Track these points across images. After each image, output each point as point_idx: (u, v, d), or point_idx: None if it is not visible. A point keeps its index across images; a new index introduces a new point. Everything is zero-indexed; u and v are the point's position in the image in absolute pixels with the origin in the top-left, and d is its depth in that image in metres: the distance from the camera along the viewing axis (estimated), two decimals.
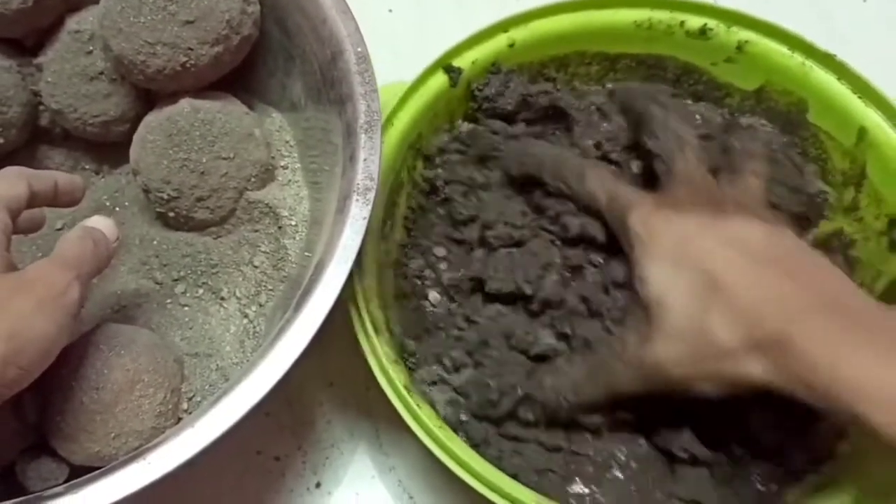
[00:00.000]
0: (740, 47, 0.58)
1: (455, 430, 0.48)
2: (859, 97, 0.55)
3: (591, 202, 0.52)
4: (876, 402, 0.38)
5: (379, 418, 0.58)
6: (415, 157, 0.57)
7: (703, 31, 0.58)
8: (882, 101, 0.54)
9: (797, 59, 0.57)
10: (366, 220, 0.45)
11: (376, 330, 0.48)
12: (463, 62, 0.57)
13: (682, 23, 0.58)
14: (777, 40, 0.57)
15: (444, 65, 0.56)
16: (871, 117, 0.55)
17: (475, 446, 0.49)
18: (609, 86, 0.61)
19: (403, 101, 0.55)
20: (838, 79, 0.56)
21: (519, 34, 0.58)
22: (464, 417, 0.51)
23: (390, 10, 0.78)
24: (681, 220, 0.47)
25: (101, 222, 0.45)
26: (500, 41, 0.58)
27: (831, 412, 0.43)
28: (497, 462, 0.48)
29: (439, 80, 0.56)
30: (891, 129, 0.54)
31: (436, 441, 0.45)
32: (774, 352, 0.42)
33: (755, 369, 0.42)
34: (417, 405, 0.46)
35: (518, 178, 0.56)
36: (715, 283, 0.44)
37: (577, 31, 0.58)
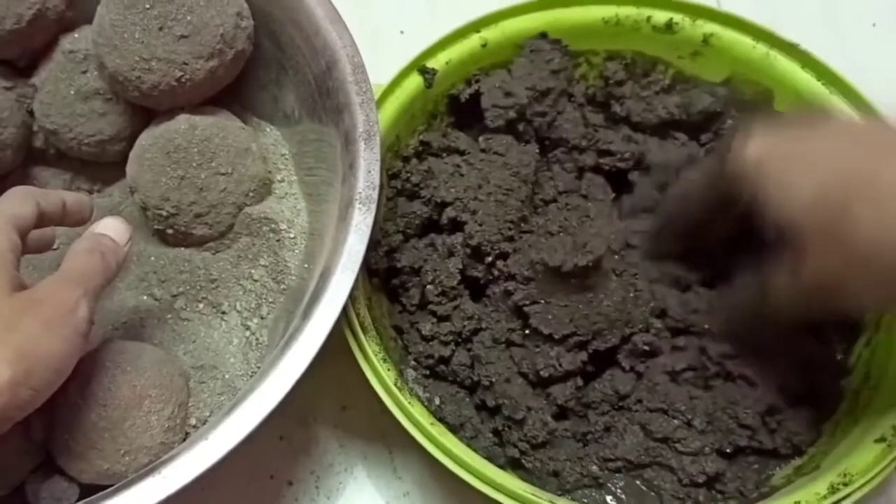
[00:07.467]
0: (706, 40, 0.59)
1: (434, 415, 0.48)
2: (824, 84, 0.56)
3: (695, 193, 0.52)
4: None
5: (393, 443, 0.57)
6: (392, 158, 0.58)
7: (670, 26, 0.59)
8: (845, 86, 0.56)
9: (761, 49, 0.58)
10: (369, 228, 0.45)
11: (364, 329, 0.48)
12: (437, 63, 0.57)
13: (648, 18, 0.59)
14: (741, 32, 0.58)
15: (419, 66, 0.57)
16: (836, 103, 0.56)
17: (453, 430, 0.50)
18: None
19: (380, 103, 0.55)
20: (802, 67, 0.57)
21: (491, 34, 0.58)
22: (437, 401, 0.52)
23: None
24: (790, 135, 0.45)
25: (110, 225, 0.45)
26: (472, 41, 0.58)
27: None
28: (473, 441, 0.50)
29: (414, 81, 0.57)
30: (855, 115, 0.55)
31: (429, 438, 0.46)
32: None
33: None
34: (409, 402, 0.46)
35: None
36: (848, 179, 0.41)
37: (547, 29, 0.59)
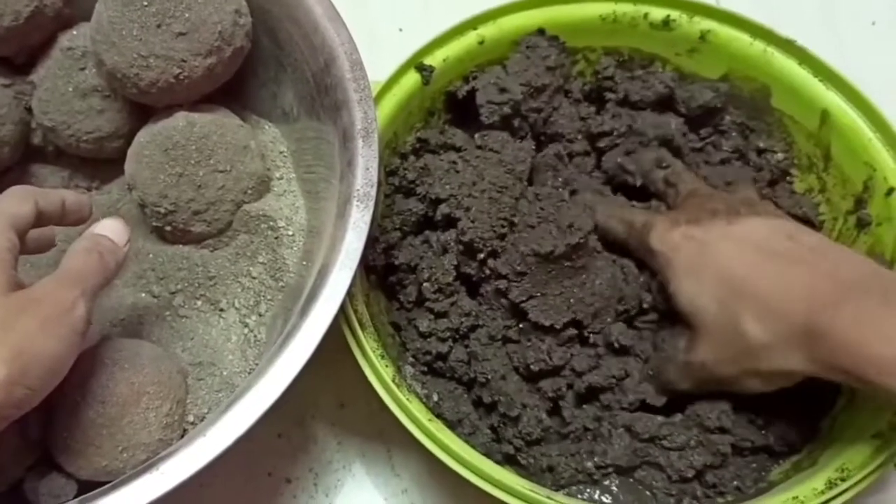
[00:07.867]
0: (703, 37, 0.59)
1: (432, 411, 0.49)
2: (821, 80, 0.56)
3: (611, 237, 0.54)
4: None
5: (391, 440, 0.57)
6: (390, 155, 0.58)
7: (667, 23, 0.59)
8: (843, 83, 0.56)
9: (759, 46, 0.58)
10: (367, 226, 0.45)
11: (362, 325, 0.48)
12: (434, 60, 0.57)
13: (645, 15, 0.59)
14: (738, 28, 0.58)
15: (416, 63, 0.57)
16: (833, 100, 0.56)
17: (451, 426, 0.50)
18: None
19: (378, 100, 0.55)
20: (799, 63, 0.57)
21: (488, 31, 0.58)
22: (435, 398, 0.53)
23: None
24: (697, 231, 0.50)
25: (109, 226, 0.45)
26: (469, 38, 0.58)
27: (860, 388, 0.45)
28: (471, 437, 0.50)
29: (412, 78, 0.57)
30: (853, 111, 0.55)
31: (427, 434, 0.46)
32: (809, 344, 0.43)
33: (794, 362, 0.45)
34: (407, 399, 0.46)
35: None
36: (739, 287, 0.47)
37: (544, 25, 0.59)
